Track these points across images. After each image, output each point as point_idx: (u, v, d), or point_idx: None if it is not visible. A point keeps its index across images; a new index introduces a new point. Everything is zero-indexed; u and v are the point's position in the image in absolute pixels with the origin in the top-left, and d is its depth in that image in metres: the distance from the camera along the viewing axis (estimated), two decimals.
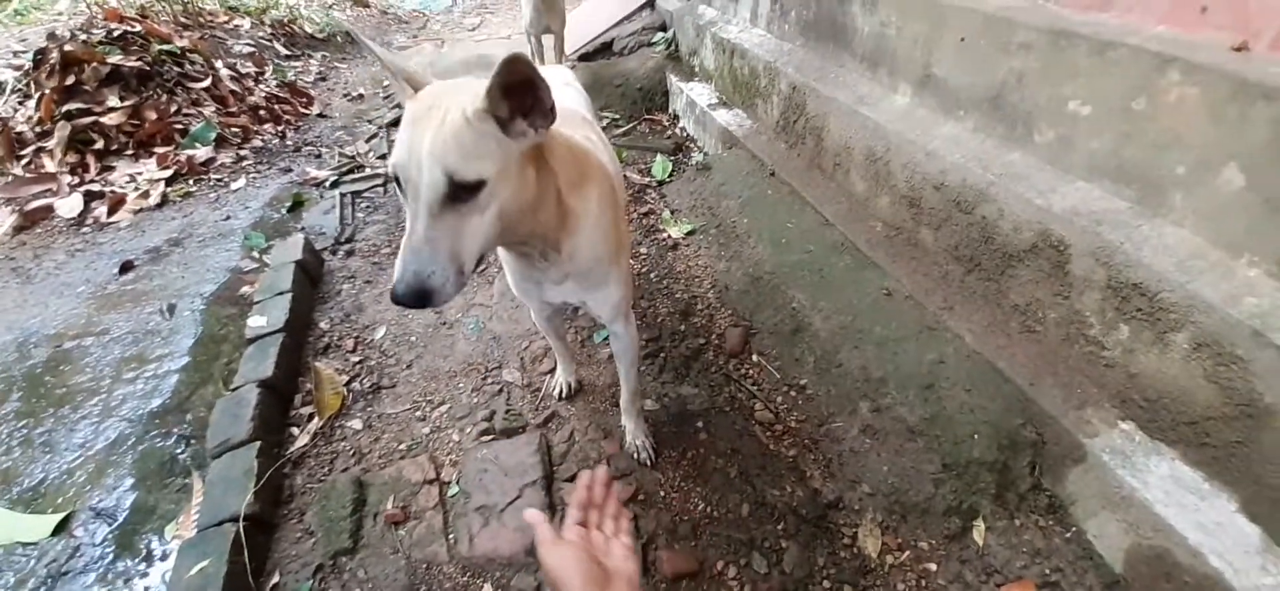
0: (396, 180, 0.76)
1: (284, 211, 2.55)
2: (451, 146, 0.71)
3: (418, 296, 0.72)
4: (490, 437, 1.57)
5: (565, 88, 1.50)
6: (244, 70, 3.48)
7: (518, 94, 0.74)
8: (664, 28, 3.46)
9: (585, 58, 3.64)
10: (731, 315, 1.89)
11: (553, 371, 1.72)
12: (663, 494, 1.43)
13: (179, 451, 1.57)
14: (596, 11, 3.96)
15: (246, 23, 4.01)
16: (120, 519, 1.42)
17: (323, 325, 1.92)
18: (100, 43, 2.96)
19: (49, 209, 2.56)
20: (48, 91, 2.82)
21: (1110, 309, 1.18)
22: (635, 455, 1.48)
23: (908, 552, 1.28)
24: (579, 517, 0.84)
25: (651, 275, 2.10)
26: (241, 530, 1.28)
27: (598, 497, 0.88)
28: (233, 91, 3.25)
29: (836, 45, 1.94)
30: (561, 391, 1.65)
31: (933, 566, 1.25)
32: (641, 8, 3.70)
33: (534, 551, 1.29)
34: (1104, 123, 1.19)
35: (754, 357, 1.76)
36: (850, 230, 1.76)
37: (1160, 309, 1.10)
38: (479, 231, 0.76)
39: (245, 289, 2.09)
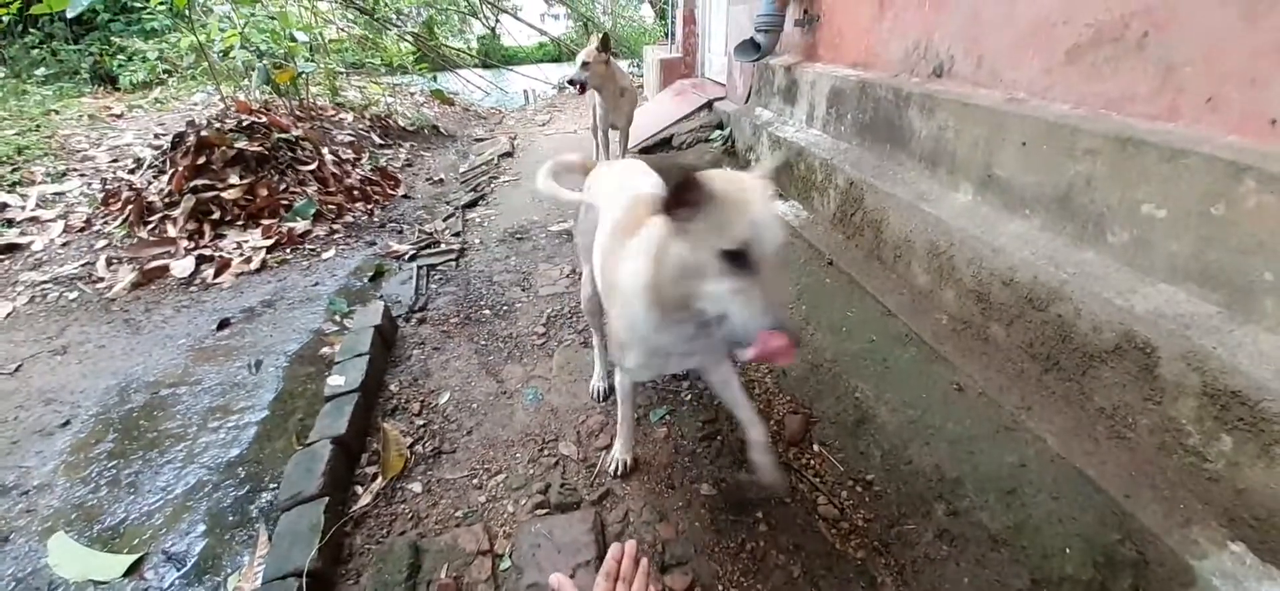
0: (737, 253, 0.88)
1: (366, 280, 2.75)
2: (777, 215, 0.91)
3: (794, 336, 0.86)
4: (545, 511, 1.56)
5: (644, 176, 1.62)
6: (344, 156, 3.90)
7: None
8: (721, 125, 3.67)
9: (646, 151, 3.88)
10: (790, 402, 1.86)
11: (609, 447, 1.72)
12: (721, 588, 1.36)
13: (248, 502, 1.64)
14: (659, 110, 4.26)
15: (350, 116, 4.54)
16: (189, 564, 1.48)
17: (392, 387, 2.02)
18: (230, 131, 3.42)
19: (165, 268, 2.86)
20: (181, 169, 3.24)
21: (1208, 418, 1.11)
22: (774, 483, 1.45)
23: None
24: (606, 588, 0.84)
25: None
26: (303, 586, 1.30)
27: (626, 572, 0.87)
28: (334, 174, 3.63)
29: (893, 146, 2.02)
30: (618, 468, 1.64)
31: None
32: (700, 109, 3.96)
33: None
34: (1182, 226, 1.17)
35: (815, 447, 1.71)
36: (914, 322, 1.74)
37: (1262, 420, 1.02)
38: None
39: (325, 350, 2.24)
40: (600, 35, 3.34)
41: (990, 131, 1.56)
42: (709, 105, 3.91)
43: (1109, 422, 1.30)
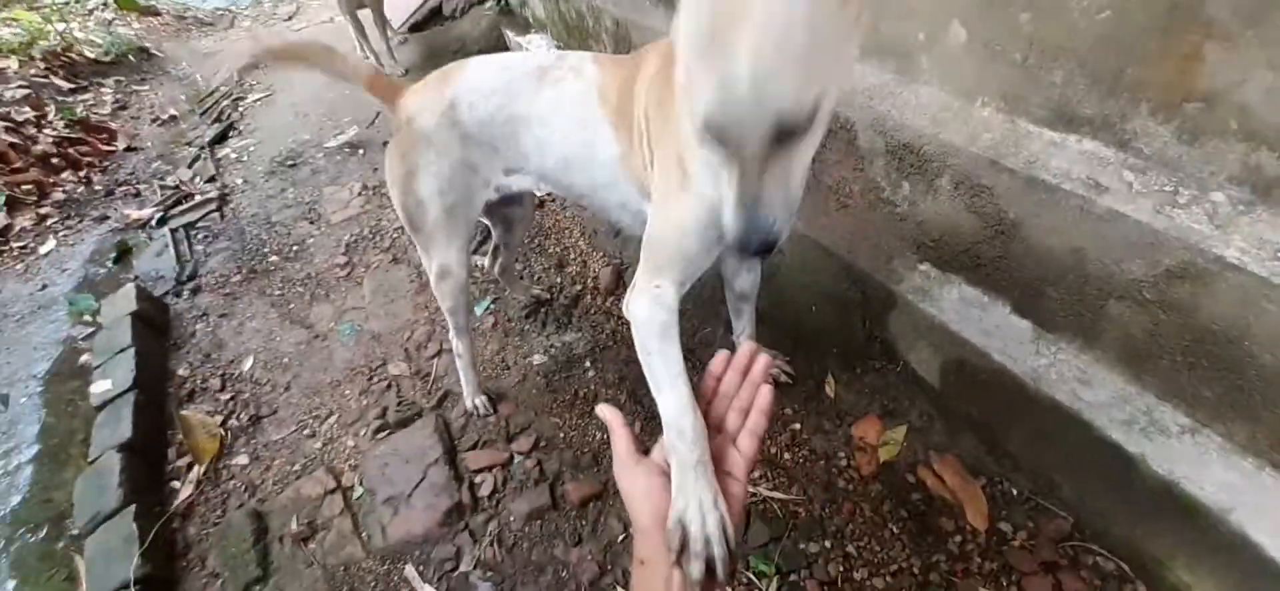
0: (713, 134, 0.58)
1: (110, 264, 2.30)
2: (789, 76, 0.52)
3: (764, 247, 0.61)
4: (386, 433, 1.58)
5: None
6: (21, 117, 2.98)
7: None
8: None
9: (416, 28, 3.44)
10: (603, 256, 1.98)
11: (439, 354, 1.75)
12: (562, 434, 1.52)
13: (54, 541, 1.47)
14: None
15: (12, 63, 3.39)
16: None
17: (181, 373, 1.81)
18: None
19: None
20: None
21: (893, 170, 1.37)
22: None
23: (778, 420, 1.47)
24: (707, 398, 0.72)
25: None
26: None
27: (729, 386, 0.71)
28: (12, 145, 2.80)
29: None
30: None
31: (798, 425, 1.45)
32: None
33: (447, 522, 1.36)
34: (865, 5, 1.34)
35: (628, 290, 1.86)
36: None
37: (924, 160, 1.29)
38: (808, 158, 0.62)
39: (86, 357, 1.91)
40: None
41: None
42: None
43: (836, 197, 1.55)
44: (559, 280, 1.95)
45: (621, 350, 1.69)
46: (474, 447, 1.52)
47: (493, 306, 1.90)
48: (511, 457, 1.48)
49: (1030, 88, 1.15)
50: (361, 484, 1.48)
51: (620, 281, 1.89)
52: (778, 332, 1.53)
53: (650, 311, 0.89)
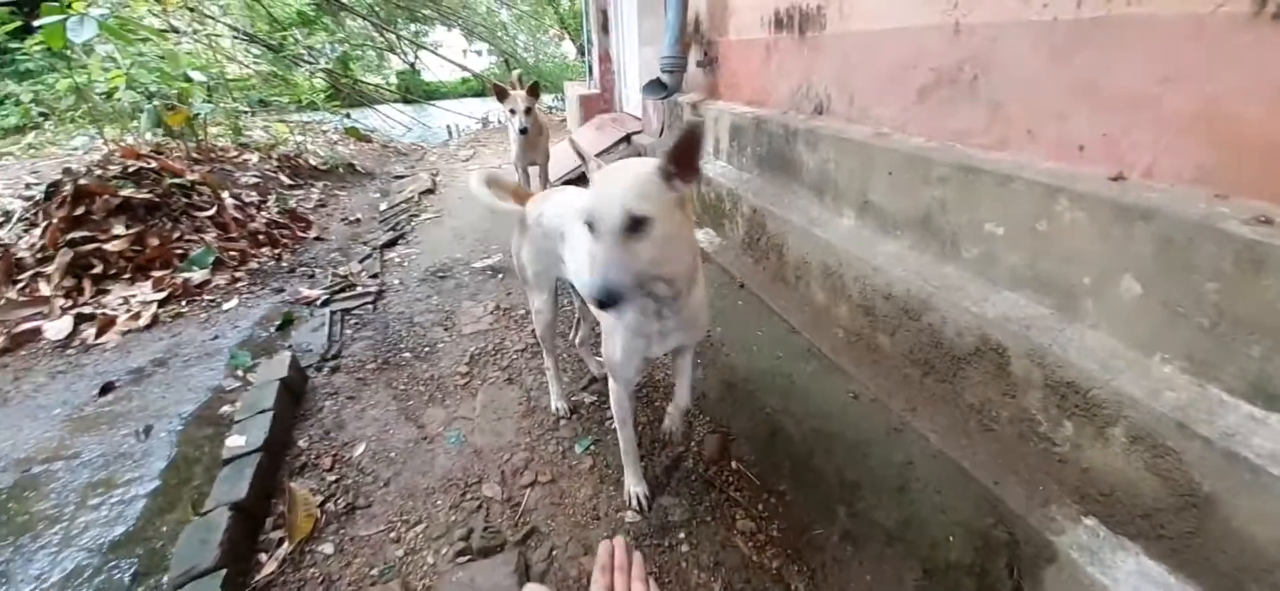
0: (588, 223, 1.05)
1: (273, 330, 2.61)
2: (631, 193, 1.00)
3: (609, 295, 0.98)
4: (467, 558, 1.53)
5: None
6: (248, 199, 3.69)
7: (684, 156, 1.04)
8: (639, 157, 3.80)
9: (569, 184, 3.96)
10: (709, 422, 1.94)
11: (532, 485, 1.72)
12: None
13: (138, 584, 1.51)
14: (581, 143, 4.33)
15: (255, 157, 4.30)
16: None
17: (301, 443, 1.92)
18: (114, 177, 3.16)
19: (37, 331, 2.59)
20: (55, 221, 2.96)
21: (1052, 406, 1.27)
22: (672, 433, 1.74)
23: None
24: (604, 583, 0.86)
25: None
26: None
27: (621, 561, 0.90)
28: (236, 219, 3.43)
29: (787, 176, 2.18)
30: (638, 503, 1.64)
31: None
32: (619, 142, 4.08)
33: None
34: (1017, 241, 1.35)
35: (733, 464, 1.78)
36: (815, 337, 1.87)
37: (1094, 404, 1.18)
38: (646, 254, 1.03)
39: (226, 408, 2.10)
40: (531, 82, 3.47)
41: (863, 163, 1.73)
42: (628, 138, 4.05)
43: (978, 417, 1.45)
44: (661, 438, 1.91)
45: (720, 529, 1.58)
46: None
47: (593, 447, 1.88)
48: None
49: (1222, 356, 1.06)
50: None
51: (726, 451, 1.82)
52: (905, 556, 1.36)
53: (617, 397, 1.52)
